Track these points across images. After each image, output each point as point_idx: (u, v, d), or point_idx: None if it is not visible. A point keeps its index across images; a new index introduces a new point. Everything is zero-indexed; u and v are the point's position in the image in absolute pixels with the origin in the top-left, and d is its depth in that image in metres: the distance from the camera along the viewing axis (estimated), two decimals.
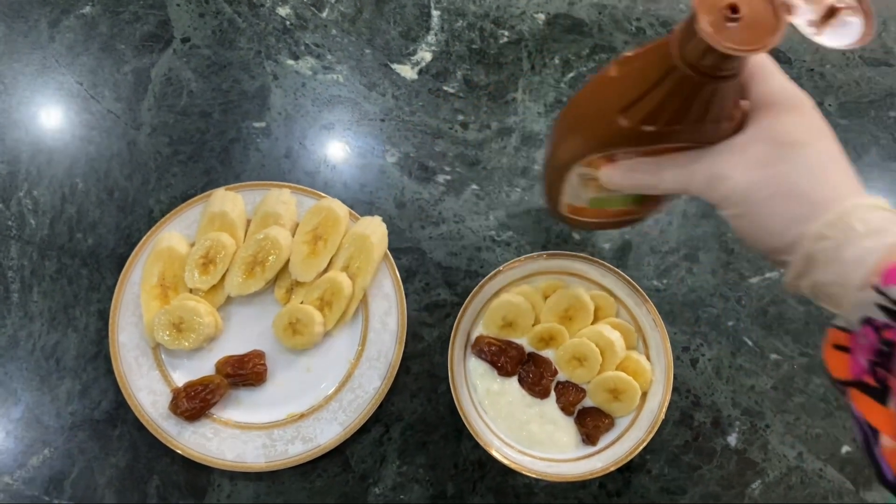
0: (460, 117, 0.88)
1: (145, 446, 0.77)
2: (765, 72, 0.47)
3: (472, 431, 0.72)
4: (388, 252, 0.80)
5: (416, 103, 0.88)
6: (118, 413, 0.77)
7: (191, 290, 0.79)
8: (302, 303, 0.78)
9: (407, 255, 0.83)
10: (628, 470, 0.78)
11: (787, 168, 0.44)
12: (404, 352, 0.78)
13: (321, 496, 0.76)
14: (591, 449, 0.75)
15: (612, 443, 0.75)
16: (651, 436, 0.73)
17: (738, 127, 0.47)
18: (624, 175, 0.51)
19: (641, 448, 0.73)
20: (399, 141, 0.87)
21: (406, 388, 0.80)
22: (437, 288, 0.82)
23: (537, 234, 0.84)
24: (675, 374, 0.80)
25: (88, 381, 0.78)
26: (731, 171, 0.45)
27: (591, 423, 0.75)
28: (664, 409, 0.74)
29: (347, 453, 0.77)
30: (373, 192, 0.85)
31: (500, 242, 0.84)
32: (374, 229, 0.79)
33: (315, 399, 0.77)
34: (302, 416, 0.77)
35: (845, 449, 0.77)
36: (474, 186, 0.86)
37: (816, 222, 0.42)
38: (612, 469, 0.72)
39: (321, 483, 0.77)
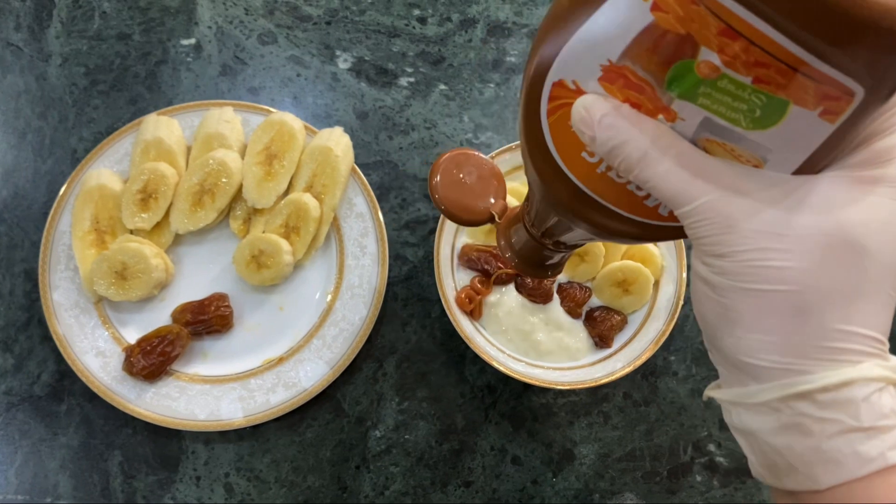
0: (416, 11, 0.78)
1: (100, 418, 0.65)
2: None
3: (474, 349, 0.63)
4: (356, 166, 0.70)
5: (365, 1, 0.77)
6: (62, 385, 0.66)
7: (131, 232, 0.67)
8: (264, 232, 0.68)
9: (377, 169, 0.73)
10: (652, 375, 0.70)
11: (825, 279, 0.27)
12: (388, 277, 0.69)
13: (314, 448, 0.66)
14: (607, 351, 0.67)
15: (629, 341, 0.67)
16: (672, 325, 0.65)
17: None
18: (607, 118, 0.27)
19: (664, 340, 0.65)
20: (350, 44, 0.76)
21: (395, 316, 0.70)
22: (415, 203, 0.73)
23: (518, 131, 0.75)
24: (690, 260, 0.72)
25: (22, 353, 0.66)
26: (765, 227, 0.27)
27: (603, 323, 0.67)
28: (682, 294, 0.66)
29: (338, 396, 0.67)
30: (328, 104, 0.74)
31: (478, 145, 0.74)
32: (337, 140, 0.69)
33: (293, 339, 0.67)
34: (281, 359, 0.66)
35: None
36: (442, 86, 0.76)
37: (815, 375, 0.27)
38: (636, 366, 0.64)
39: (312, 433, 0.67)
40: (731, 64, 0.23)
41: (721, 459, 0.69)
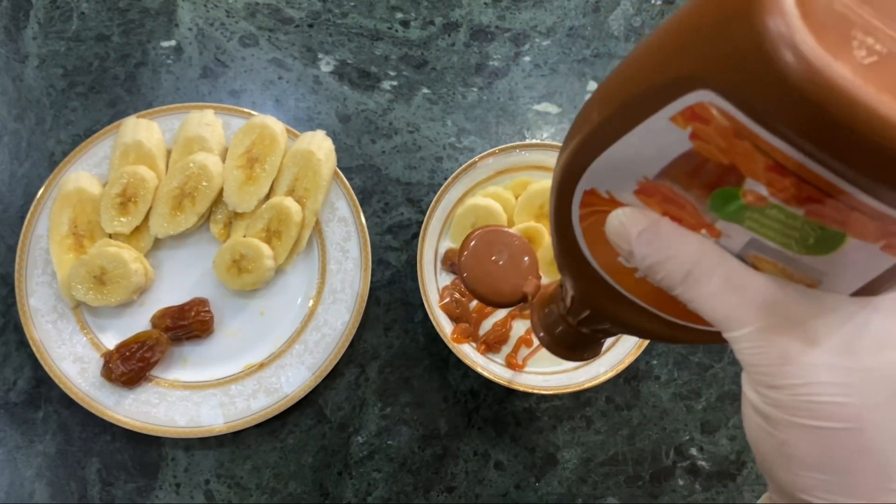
0: (399, 15, 0.77)
1: (78, 425, 0.65)
2: None
3: (457, 354, 0.63)
4: (338, 170, 0.69)
5: (347, 3, 0.77)
6: (39, 391, 0.65)
7: (110, 236, 0.66)
8: (245, 236, 0.67)
9: (360, 173, 0.73)
10: (635, 379, 0.70)
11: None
12: (371, 282, 0.68)
13: (296, 454, 0.66)
14: None
15: (612, 345, 0.67)
16: None
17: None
18: (644, 235, 0.26)
19: (646, 344, 0.65)
20: (333, 47, 0.76)
21: (378, 321, 0.69)
22: (398, 207, 0.72)
23: (501, 136, 0.75)
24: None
25: None
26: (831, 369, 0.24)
27: None
28: None
29: (320, 402, 0.67)
30: (310, 108, 0.74)
31: (461, 149, 0.74)
32: (319, 144, 0.68)
33: (275, 345, 0.67)
34: (262, 365, 0.66)
35: None
36: (425, 90, 0.76)
37: None
38: (619, 371, 0.64)
39: (294, 439, 0.66)
40: (781, 196, 0.21)
41: (703, 463, 0.69)
